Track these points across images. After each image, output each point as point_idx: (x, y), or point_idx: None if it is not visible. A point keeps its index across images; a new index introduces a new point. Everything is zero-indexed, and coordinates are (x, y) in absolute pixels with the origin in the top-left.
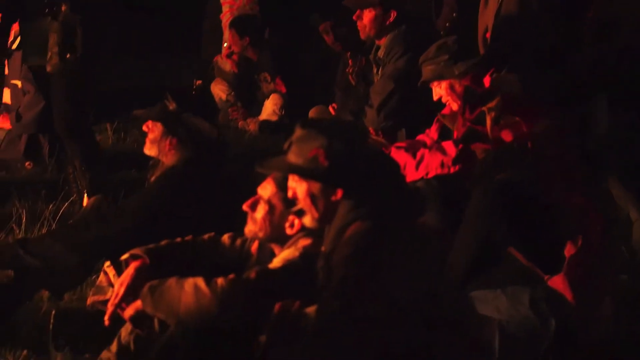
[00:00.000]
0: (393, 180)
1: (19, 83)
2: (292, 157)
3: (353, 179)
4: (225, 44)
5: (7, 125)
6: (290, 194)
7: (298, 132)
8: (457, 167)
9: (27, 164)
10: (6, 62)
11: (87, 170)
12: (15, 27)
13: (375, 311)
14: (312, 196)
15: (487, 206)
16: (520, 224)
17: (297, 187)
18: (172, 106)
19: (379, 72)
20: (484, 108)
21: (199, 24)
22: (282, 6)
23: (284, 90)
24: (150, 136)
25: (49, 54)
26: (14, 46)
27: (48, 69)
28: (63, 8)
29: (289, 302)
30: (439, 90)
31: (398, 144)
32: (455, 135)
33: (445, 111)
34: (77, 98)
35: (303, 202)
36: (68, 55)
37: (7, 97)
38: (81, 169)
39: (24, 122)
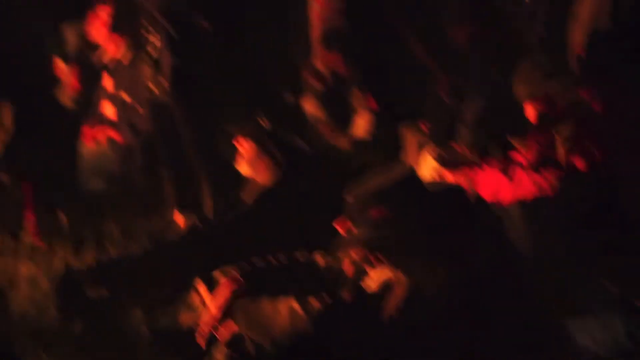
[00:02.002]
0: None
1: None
2: (360, 230)
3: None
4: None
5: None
6: None
7: (350, 199)
8: (555, 191)
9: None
10: (105, 73)
11: (210, 191)
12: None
13: None
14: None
15: (571, 236)
16: (609, 252)
17: None
18: (265, 124)
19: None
20: (556, 134)
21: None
22: (368, 15)
23: (374, 106)
24: (243, 153)
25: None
26: (125, 60)
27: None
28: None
29: None
30: (533, 110)
31: (491, 163)
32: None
33: None
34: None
35: None
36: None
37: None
38: (204, 188)
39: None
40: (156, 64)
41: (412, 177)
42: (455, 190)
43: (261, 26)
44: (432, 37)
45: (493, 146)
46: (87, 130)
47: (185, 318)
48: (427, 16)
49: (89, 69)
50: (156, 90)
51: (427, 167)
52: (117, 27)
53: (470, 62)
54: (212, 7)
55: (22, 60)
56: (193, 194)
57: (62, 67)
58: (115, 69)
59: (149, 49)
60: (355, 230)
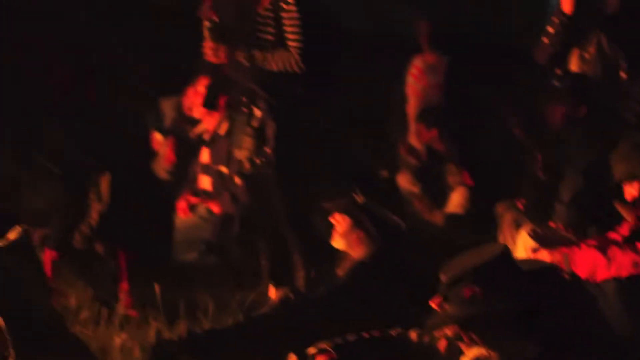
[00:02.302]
0: None
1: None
2: (452, 307)
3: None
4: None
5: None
6: None
7: (444, 277)
8: None
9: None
10: (205, 148)
11: (303, 264)
12: (220, 112)
13: None
14: None
15: None
16: None
17: None
18: (360, 199)
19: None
20: None
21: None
22: (464, 91)
23: (470, 182)
24: (339, 229)
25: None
26: (222, 132)
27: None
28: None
29: None
30: (632, 191)
31: (588, 241)
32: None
33: None
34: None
35: None
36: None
37: (206, 183)
38: (297, 261)
39: None
40: (258, 134)
41: (506, 255)
42: (549, 269)
43: (357, 102)
44: (528, 115)
45: (590, 225)
46: (181, 202)
47: None
48: (523, 94)
49: (185, 142)
50: (257, 161)
51: (524, 245)
52: (213, 100)
53: (567, 140)
54: (308, 84)
55: (121, 132)
56: (287, 267)
57: (159, 140)
58: (211, 141)
59: (250, 120)
60: (448, 308)
